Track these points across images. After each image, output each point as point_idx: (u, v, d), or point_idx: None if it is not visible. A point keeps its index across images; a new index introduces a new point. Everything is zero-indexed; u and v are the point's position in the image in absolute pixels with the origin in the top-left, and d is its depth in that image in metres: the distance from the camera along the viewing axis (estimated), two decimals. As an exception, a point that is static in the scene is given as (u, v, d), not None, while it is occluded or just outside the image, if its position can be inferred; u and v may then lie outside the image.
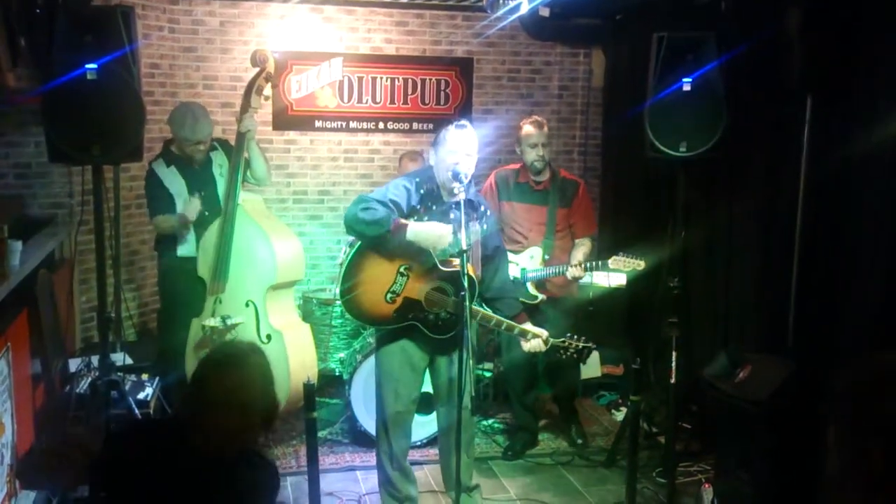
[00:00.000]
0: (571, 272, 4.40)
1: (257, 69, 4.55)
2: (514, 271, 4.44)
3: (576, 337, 3.62)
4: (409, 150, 5.83)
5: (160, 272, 4.95)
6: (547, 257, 4.56)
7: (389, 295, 3.57)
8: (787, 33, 4.01)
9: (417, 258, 3.53)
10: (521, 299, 4.42)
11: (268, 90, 4.64)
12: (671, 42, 4.07)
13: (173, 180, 4.62)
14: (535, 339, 3.58)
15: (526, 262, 4.55)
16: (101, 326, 3.76)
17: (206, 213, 4.57)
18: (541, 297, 4.55)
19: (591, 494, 4.33)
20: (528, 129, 4.61)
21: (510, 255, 4.50)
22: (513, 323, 3.60)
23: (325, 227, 6.19)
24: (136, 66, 3.53)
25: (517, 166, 4.75)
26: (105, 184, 3.72)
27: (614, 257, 4.36)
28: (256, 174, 4.61)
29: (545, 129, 4.62)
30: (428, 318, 3.56)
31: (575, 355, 3.61)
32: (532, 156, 4.57)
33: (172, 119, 4.64)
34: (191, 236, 4.61)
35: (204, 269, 4.52)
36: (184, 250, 4.64)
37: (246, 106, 4.52)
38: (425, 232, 3.45)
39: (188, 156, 4.64)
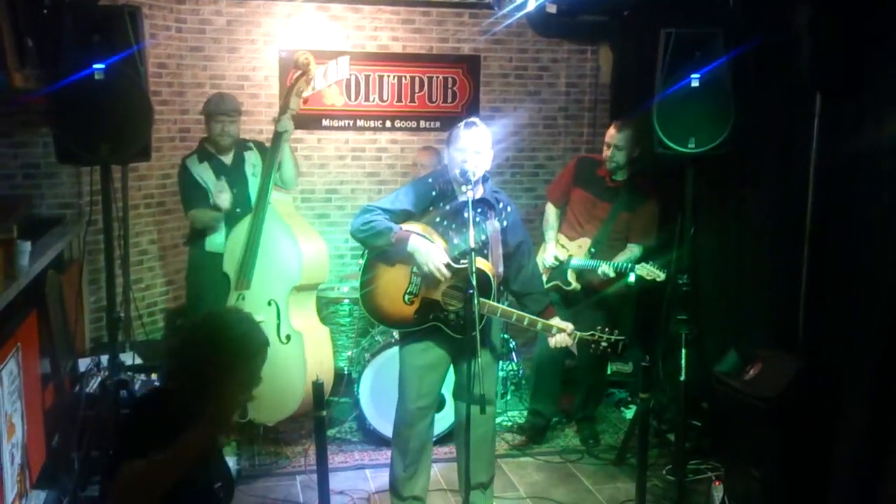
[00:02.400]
0: (602, 269, 4.46)
1: (299, 72, 4.61)
2: (563, 256, 4.66)
3: (607, 330, 3.54)
4: (427, 145, 5.83)
5: (188, 266, 5.03)
6: (594, 251, 4.61)
7: (407, 296, 3.58)
8: (795, 29, 3.98)
9: None
10: (557, 282, 4.58)
11: (307, 91, 4.77)
12: (679, 38, 4.05)
13: (206, 176, 4.68)
14: (560, 333, 3.53)
15: (575, 251, 4.65)
16: (111, 326, 3.77)
17: (238, 210, 4.62)
18: (574, 285, 4.63)
19: (601, 492, 4.32)
20: (610, 130, 4.67)
21: (564, 240, 4.67)
22: (535, 318, 3.56)
23: (333, 225, 6.19)
24: (143, 65, 3.54)
25: (601, 157, 4.76)
26: (113, 183, 3.72)
27: (642, 264, 4.40)
28: (284, 176, 4.67)
29: (622, 131, 4.61)
30: (449, 318, 3.54)
31: (609, 349, 3.52)
32: (605, 153, 4.63)
33: (206, 105, 4.78)
34: (221, 232, 4.66)
35: (230, 266, 4.56)
36: (212, 245, 4.70)
37: (285, 107, 4.58)
38: (421, 250, 3.45)
39: (215, 141, 4.71)
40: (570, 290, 4.65)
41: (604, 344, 3.51)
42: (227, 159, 4.77)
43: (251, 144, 4.87)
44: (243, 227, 4.53)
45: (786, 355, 3.92)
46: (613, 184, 4.67)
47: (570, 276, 4.64)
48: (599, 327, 3.57)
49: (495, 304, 3.51)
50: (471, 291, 3.20)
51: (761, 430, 3.74)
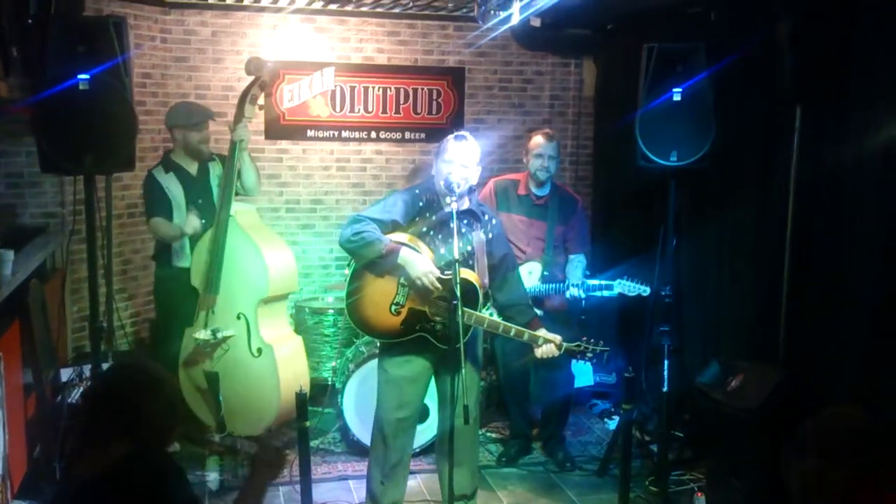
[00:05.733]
0: (572, 291, 4.43)
1: (252, 77, 4.52)
2: None
3: (592, 341, 3.56)
4: (417, 167, 5.79)
5: (156, 281, 4.97)
6: (546, 273, 4.57)
7: (394, 307, 3.58)
8: (776, 43, 4.04)
9: None
10: None
11: (262, 99, 4.64)
12: (661, 52, 4.11)
13: (172, 186, 4.65)
14: (548, 344, 3.54)
15: (525, 277, 4.48)
16: (93, 336, 3.77)
17: (203, 221, 4.59)
18: (538, 312, 4.52)
19: (584, 503, 4.33)
20: (537, 139, 4.62)
21: None
22: (522, 329, 3.56)
23: (318, 236, 6.19)
24: (128, 76, 3.54)
25: (516, 177, 4.76)
26: (97, 193, 3.72)
27: (619, 281, 4.39)
28: (246, 184, 4.60)
29: (554, 141, 4.63)
30: (435, 329, 3.55)
31: (594, 359, 3.55)
32: (536, 164, 4.58)
33: (169, 117, 4.74)
34: (186, 246, 4.62)
35: (196, 279, 4.51)
36: (179, 260, 4.65)
37: (239, 115, 4.50)
38: (412, 262, 3.46)
39: (195, 151, 4.69)
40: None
41: (589, 354, 3.54)
42: (193, 170, 4.74)
43: (215, 156, 4.82)
44: (206, 240, 4.48)
45: (767, 366, 3.95)
46: (539, 200, 4.65)
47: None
48: (585, 338, 3.59)
49: (482, 315, 3.53)
50: (455, 302, 3.22)
51: (743, 440, 3.77)
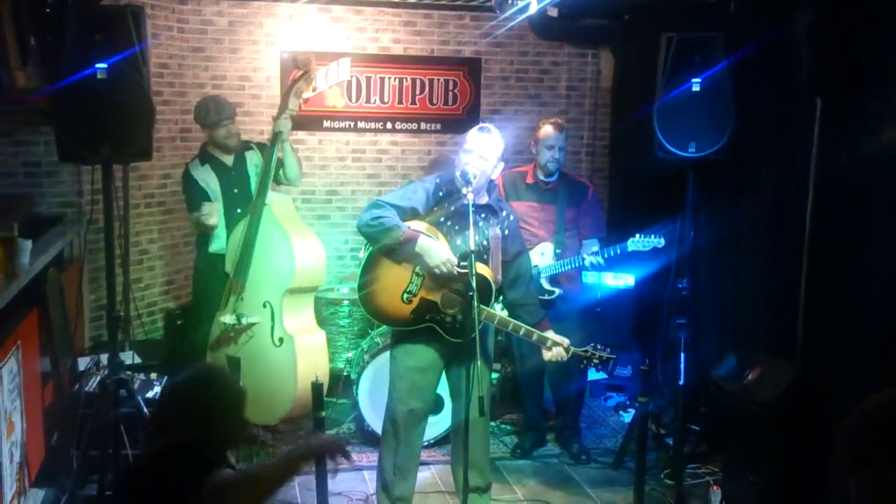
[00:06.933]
0: (588, 259, 4.40)
1: (300, 72, 4.60)
2: None
3: (599, 347, 3.57)
4: (436, 158, 5.79)
5: (194, 268, 5.09)
6: (559, 251, 4.56)
7: (406, 295, 3.57)
8: (795, 34, 4.00)
9: None
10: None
11: (307, 93, 4.76)
12: (680, 42, 4.08)
13: (207, 178, 4.73)
14: (557, 347, 3.54)
15: (537, 259, 4.50)
16: (110, 325, 3.78)
17: (239, 211, 4.66)
18: (557, 291, 4.53)
19: (599, 496, 4.33)
20: (547, 129, 4.57)
21: None
22: (532, 329, 3.56)
23: (333, 226, 6.19)
24: (145, 65, 3.54)
25: (525, 168, 4.74)
26: (114, 182, 3.73)
27: (631, 239, 4.31)
28: (288, 174, 4.71)
29: (564, 132, 4.60)
30: (445, 321, 3.55)
31: (600, 366, 3.59)
32: (547, 156, 4.55)
33: (196, 113, 4.81)
34: (222, 233, 4.70)
35: (230, 265, 4.59)
36: (215, 246, 4.74)
37: (284, 107, 4.59)
38: (432, 250, 3.45)
39: (223, 146, 4.76)
40: (554, 298, 4.52)
41: (595, 361, 3.56)
42: (229, 160, 4.80)
43: (253, 145, 4.91)
44: (241, 227, 4.56)
45: (784, 361, 3.93)
46: (548, 186, 4.63)
47: (546, 284, 4.52)
48: (593, 344, 3.60)
49: (494, 311, 3.53)
50: (471, 294, 3.21)
51: (759, 434, 3.75)
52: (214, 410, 2.37)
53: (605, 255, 4.38)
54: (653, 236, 4.29)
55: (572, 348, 3.55)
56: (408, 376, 3.67)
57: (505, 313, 3.77)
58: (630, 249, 4.32)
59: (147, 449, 2.41)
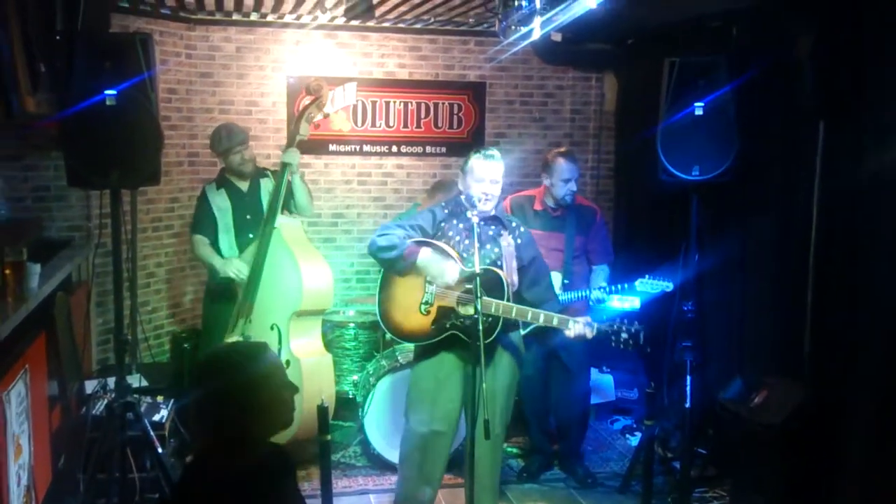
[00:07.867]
0: (595, 294, 4.40)
1: (311, 97, 4.63)
2: None
3: (626, 321, 3.48)
4: (440, 181, 5.76)
5: (205, 291, 5.12)
6: (567, 282, 4.56)
7: (423, 307, 3.60)
8: (798, 57, 4.03)
9: None
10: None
11: (318, 117, 4.78)
12: (683, 66, 4.10)
13: (220, 202, 4.79)
14: (578, 323, 3.47)
15: None
16: (118, 349, 3.79)
17: (251, 236, 4.70)
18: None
19: (606, 519, 4.31)
20: (563, 163, 4.53)
21: None
22: (550, 314, 3.51)
23: (339, 249, 6.22)
24: (154, 91, 3.58)
25: (531, 193, 4.75)
26: (123, 207, 3.76)
27: (640, 280, 4.33)
28: (298, 204, 4.77)
29: (577, 161, 4.62)
30: (465, 324, 3.52)
31: (630, 341, 3.44)
32: (564, 190, 4.54)
33: (210, 141, 4.87)
34: (234, 257, 4.73)
35: (239, 288, 4.62)
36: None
37: (294, 132, 4.63)
38: (433, 263, 3.50)
39: (239, 172, 4.81)
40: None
41: (624, 335, 3.46)
42: (244, 186, 4.86)
43: (268, 172, 4.96)
44: (250, 251, 4.60)
45: (791, 383, 3.91)
46: (556, 212, 4.63)
47: None
48: (619, 318, 3.53)
49: (509, 304, 3.49)
50: (476, 316, 3.22)
51: (767, 457, 3.73)
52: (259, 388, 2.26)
53: (611, 291, 4.38)
54: (661, 280, 4.30)
55: (596, 325, 3.49)
56: (429, 396, 3.65)
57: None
58: (638, 290, 4.32)
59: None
